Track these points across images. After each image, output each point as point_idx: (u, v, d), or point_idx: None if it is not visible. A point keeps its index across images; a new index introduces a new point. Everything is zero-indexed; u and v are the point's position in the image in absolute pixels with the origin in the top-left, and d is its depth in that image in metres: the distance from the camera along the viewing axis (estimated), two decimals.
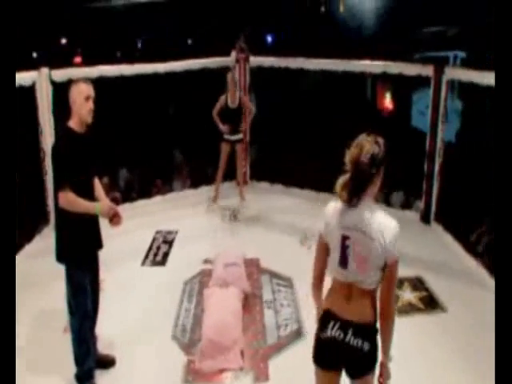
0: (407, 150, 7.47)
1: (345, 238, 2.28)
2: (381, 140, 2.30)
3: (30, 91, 5.48)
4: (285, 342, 3.84)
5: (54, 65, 5.74)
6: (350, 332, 2.28)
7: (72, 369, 3.31)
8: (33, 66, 5.67)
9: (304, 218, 6.00)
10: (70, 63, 10.36)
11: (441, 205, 5.90)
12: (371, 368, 2.34)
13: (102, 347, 3.58)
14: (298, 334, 3.93)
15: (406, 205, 6.73)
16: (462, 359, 3.65)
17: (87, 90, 3.14)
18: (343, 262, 2.28)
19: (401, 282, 4.61)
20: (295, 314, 4.18)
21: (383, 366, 2.36)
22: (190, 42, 14.95)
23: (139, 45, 15.34)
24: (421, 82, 6.64)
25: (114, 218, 3.20)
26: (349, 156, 2.26)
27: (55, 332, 3.88)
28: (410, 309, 4.25)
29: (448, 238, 5.50)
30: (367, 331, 2.30)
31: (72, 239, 3.18)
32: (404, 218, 6.04)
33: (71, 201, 3.06)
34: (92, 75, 5.71)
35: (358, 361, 2.31)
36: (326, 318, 2.35)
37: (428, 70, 5.85)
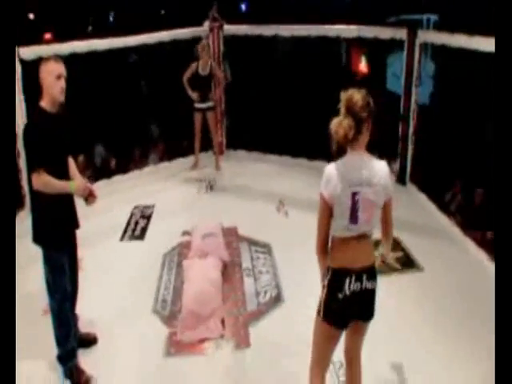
0: (382, 112, 7.50)
1: (354, 195, 2.38)
2: (367, 92, 2.46)
3: None
4: (264, 308, 3.91)
5: (22, 42, 5.59)
6: (364, 278, 2.45)
7: (54, 350, 3.32)
8: None
9: (281, 184, 6.06)
10: (39, 40, 10.07)
11: (416, 166, 5.97)
12: (375, 305, 2.55)
13: (83, 326, 3.59)
14: (277, 299, 4.00)
15: None
16: (440, 318, 3.74)
17: (58, 68, 3.05)
18: (353, 218, 2.40)
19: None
20: (274, 281, 4.24)
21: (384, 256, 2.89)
22: (162, 12, 14.63)
23: (111, 18, 14.97)
24: (395, 44, 6.63)
25: (89, 197, 3.18)
26: (344, 96, 2.40)
27: (35, 314, 3.87)
28: (387, 269, 4.30)
29: (423, 198, 5.60)
30: (374, 270, 2.50)
31: (48, 220, 3.16)
32: None
33: (45, 182, 3.02)
34: (63, 52, 5.59)
35: (372, 300, 2.53)
36: (339, 277, 2.46)
37: (402, 34, 5.85)
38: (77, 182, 3.19)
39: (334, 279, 2.47)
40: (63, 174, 3.19)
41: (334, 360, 3.27)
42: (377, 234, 2.57)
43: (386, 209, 2.51)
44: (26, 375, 3.32)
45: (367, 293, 2.48)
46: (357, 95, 2.40)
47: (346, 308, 2.48)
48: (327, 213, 2.45)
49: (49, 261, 3.19)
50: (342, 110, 2.40)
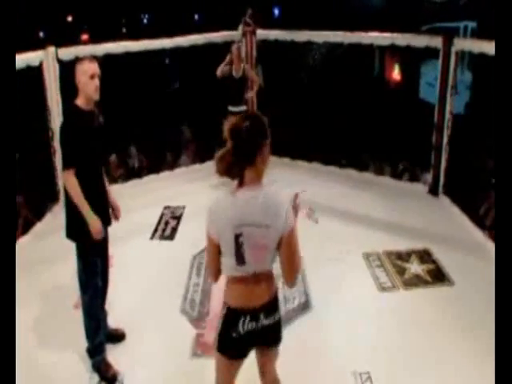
0: (415, 122, 7.42)
1: (238, 237, 2.15)
2: (259, 114, 2.23)
3: (37, 71, 5.49)
4: (292, 314, 3.89)
5: (60, 43, 5.73)
6: (261, 317, 2.26)
7: (83, 343, 3.39)
8: (40, 45, 5.66)
9: (311, 191, 6.00)
10: (76, 41, 10.32)
11: (449, 177, 5.87)
12: (281, 332, 2.40)
13: (112, 322, 3.64)
14: (305, 306, 3.97)
15: (414, 177, 6.72)
16: (468, 334, 3.65)
17: (92, 68, 3.15)
18: (240, 260, 2.18)
19: (408, 255, 4.64)
20: (303, 287, 4.22)
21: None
22: (196, 17, 14.80)
23: (145, 21, 15.22)
24: (430, 53, 6.56)
25: (96, 236, 3.20)
26: (228, 125, 2.14)
27: (66, 308, 3.95)
28: (417, 281, 4.26)
29: (456, 211, 5.49)
30: (274, 304, 2.32)
31: (81, 216, 3.20)
32: (412, 191, 6.08)
33: (71, 185, 3.10)
34: (98, 53, 5.72)
35: (275, 331, 2.36)
36: (233, 316, 2.27)
37: (437, 42, 5.77)
38: (96, 222, 3.17)
39: (228, 318, 2.29)
40: (97, 172, 3.27)
41: (359, 371, 3.27)
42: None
43: (283, 248, 2.19)
44: (55, 366, 3.42)
45: (266, 328, 2.29)
46: (244, 122, 2.12)
47: (241, 345, 2.32)
48: (214, 250, 2.25)
49: (82, 256, 3.25)
50: (228, 140, 2.13)
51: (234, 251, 2.18)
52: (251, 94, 6.80)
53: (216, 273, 2.32)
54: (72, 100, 3.25)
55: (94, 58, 3.35)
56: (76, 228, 3.24)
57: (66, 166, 3.11)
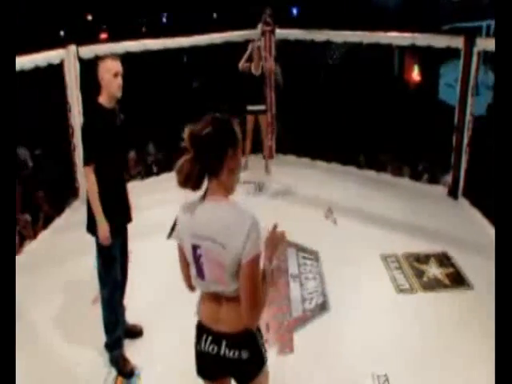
0: (434, 123, 7.35)
1: (195, 248, 1.98)
2: (226, 118, 1.97)
3: (58, 69, 5.55)
4: (310, 315, 3.89)
5: (80, 42, 5.79)
6: (223, 344, 2.04)
7: (102, 338, 3.42)
8: (60, 43, 5.73)
9: (330, 191, 6.01)
10: (96, 40, 10.41)
11: (469, 180, 5.80)
12: (258, 371, 2.11)
13: (130, 317, 3.67)
14: (323, 307, 3.97)
15: (434, 179, 6.65)
16: (488, 340, 3.57)
17: (115, 66, 3.18)
18: (199, 273, 2.02)
19: (427, 257, 4.60)
20: (320, 288, 4.21)
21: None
22: (214, 15, 14.82)
23: (164, 19, 15.28)
24: (450, 53, 6.49)
25: (103, 241, 3.23)
26: (188, 130, 1.91)
27: (85, 303, 4.01)
28: (435, 284, 4.22)
29: (476, 214, 5.41)
30: (243, 340, 2.04)
31: (105, 209, 3.21)
32: (431, 193, 6.02)
33: (90, 182, 3.15)
34: (118, 51, 5.76)
35: (241, 369, 2.09)
36: (199, 329, 2.12)
37: (458, 42, 5.69)
38: (105, 227, 3.18)
39: (196, 329, 2.13)
40: (118, 167, 3.32)
41: (377, 373, 3.25)
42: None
43: (241, 279, 1.92)
44: (74, 360, 3.46)
45: (229, 361, 2.04)
46: (207, 127, 1.89)
47: (204, 364, 2.14)
48: (181, 257, 2.11)
49: (102, 251, 3.29)
50: (188, 148, 1.92)
51: (194, 262, 2.02)
52: (271, 94, 6.79)
53: (187, 281, 2.16)
54: (94, 97, 3.28)
55: (116, 55, 3.38)
56: (96, 223, 3.27)
57: (86, 162, 3.16)
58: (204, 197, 2.00)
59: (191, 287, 2.17)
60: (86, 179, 3.19)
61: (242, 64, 6.44)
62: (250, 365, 2.07)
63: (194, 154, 1.91)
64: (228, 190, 1.99)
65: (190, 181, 1.93)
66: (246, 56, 6.45)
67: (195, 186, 1.95)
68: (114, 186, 3.27)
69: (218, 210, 1.95)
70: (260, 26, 6.99)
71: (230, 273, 1.94)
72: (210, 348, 2.07)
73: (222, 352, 2.04)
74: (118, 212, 3.32)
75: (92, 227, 3.28)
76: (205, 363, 2.13)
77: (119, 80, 3.17)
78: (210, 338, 2.07)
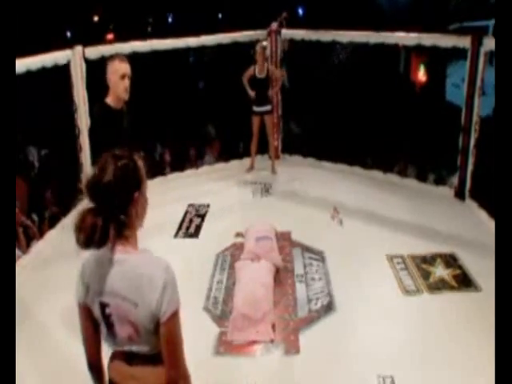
0: (441, 124, 7.32)
1: (104, 306, 1.77)
2: (127, 156, 1.78)
3: (64, 69, 5.57)
4: (316, 315, 3.88)
5: (87, 43, 5.81)
6: None
7: None
8: (67, 44, 5.75)
9: (336, 192, 6.00)
10: (102, 40, 10.45)
11: (476, 181, 5.76)
12: None
13: None
14: (328, 308, 3.95)
15: (440, 180, 6.62)
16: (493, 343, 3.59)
17: (123, 68, 3.21)
18: (110, 332, 1.80)
19: (433, 259, 4.57)
20: (326, 288, 4.20)
21: None
22: (220, 16, 14.83)
23: (170, 19, 15.31)
24: (456, 53, 6.45)
25: None
26: (85, 181, 1.74)
27: None
28: (442, 285, 4.19)
29: (483, 215, 5.34)
30: None
31: None
32: (438, 194, 5.99)
33: None
34: (125, 51, 5.77)
35: None
36: None
37: (465, 42, 5.65)
38: None
39: None
40: None
41: (382, 375, 3.24)
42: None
43: (162, 337, 1.72)
44: (80, 357, 3.38)
45: None
46: (104, 174, 1.69)
47: None
48: (85, 322, 1.85)
49: None
50: (87, 199, 1.72)
51: (104, 322, 1.80)
52: (275, 91, 6.80)
53: (94, 351, 1.88)
54: (101, 97, 3.30)
55: (124, 57, 3.40)
56: None
57: (95, 161, 3.18)
58: (112, 248, 1.76)
59: (93, 365, 1.90)
60: None
61: (244, 79, 6.48)
62: None
63: (95, 206, 1.71)
64: (135, 236, 1.81)
65: (94, 237, 1.68)
66: (247, 73, 6.49)
67: (101, 243, 1.70)
68: None
69: (128, 264, 1.74)
70: (273, 24, 6.94)
71: (145, 332, 1.75)
72: None
73: None
74: None
75: None
76: None
77: (126, 82, 3.21)
78: None
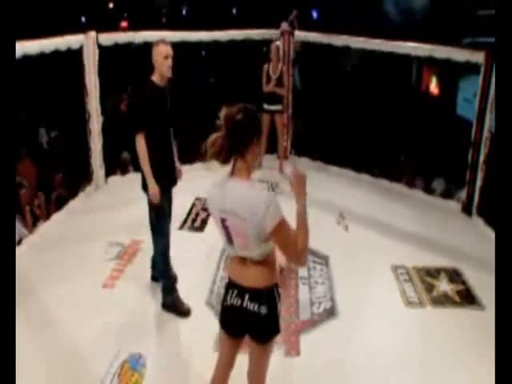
0: (451, 137, 7.30)
1: (223, 220, 2.30)
2: (255, 110, 2.30)
3: (77, 54, 5.55)
4: (317, 319, 3.87)
5: (101, 29, 5.80)
6: (246, 297, 2.37)
7: (111, 320, 3.63)
8: (81, 29, 5.73)
9: (342, 197, 5.97)
10: (116, 27, 10.42)
11: (484, 197, 5.72)
12: (272, 334, 2.42)
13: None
14: (330, 312, 3.95)
15: (448, 194, 6.60)
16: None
17: (166, 49, 3.62)
18: (229, 240, 2.35)
19: (437, 272, 4.55)
20: (329, 293, 4.19)
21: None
22: (234, 11, 14.78)
23: (184, 12, 15.24)
24: (469, 68, 6.43)
25: (153, 199, 3.65)
26: (224, 112, 2.22)
27: (95, 286, 4.12)
28: (445, 300, 4.16)
29: (489, 233, 5.25)
30: (263, 296, 2.36)
31: (154, 172, 3.62)
32: (445, 208, 5.95)
33: (140, 148, 3.57)
34: (137, 40, 5.77)
35: (258, 325, 2.39)
36: (227, 286, 2.47)
37: (479, 56, 5.60)
38: (155, 189, 3.63)
39: (226, 287, 2.50)
40: (165, 137, 3.76)
41: None
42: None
43: (275, 242, 2.30)
44: (82, 340, 3.53)
45: (249, 313, 2.37)
46: (238, 113, 2.21)
47: (228, 317, 2.48)
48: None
49: (152, 207, 3.72)
50: (222, 126, 2.22)
51: (223, 232, 2.34)
52: (282, 92, 6.78)
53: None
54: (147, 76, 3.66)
55: (166, 40, 3.76)
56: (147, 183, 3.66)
57: (137, 130, 3.56)
58: (230, 175, 2.28)
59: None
60: (136, 145, 3.58)
61: (264, 86, 6.49)
62: (266, 322, 2.37)
63: (226, 133, 2.21)
64: (249, 171, 2.29)
65: (220, 155, 2.21)
66: (264, 77, 6.49)
67: (225, 160, 2.24)
68: (162, 153, 3.69)
69: (241, 188, 2.25)
70: (284, 24, 6.94)
71: (254, 241, 2.25)
72: (235, 301, 2.40)
73: (244, 304, 2.37)
74: (164, 174, 3.72)
75: (144, 186, 3.70)
76: (228, 316, 2.47)
77: (169, 62, 3.61)
78: (235, 292, 2.40)
